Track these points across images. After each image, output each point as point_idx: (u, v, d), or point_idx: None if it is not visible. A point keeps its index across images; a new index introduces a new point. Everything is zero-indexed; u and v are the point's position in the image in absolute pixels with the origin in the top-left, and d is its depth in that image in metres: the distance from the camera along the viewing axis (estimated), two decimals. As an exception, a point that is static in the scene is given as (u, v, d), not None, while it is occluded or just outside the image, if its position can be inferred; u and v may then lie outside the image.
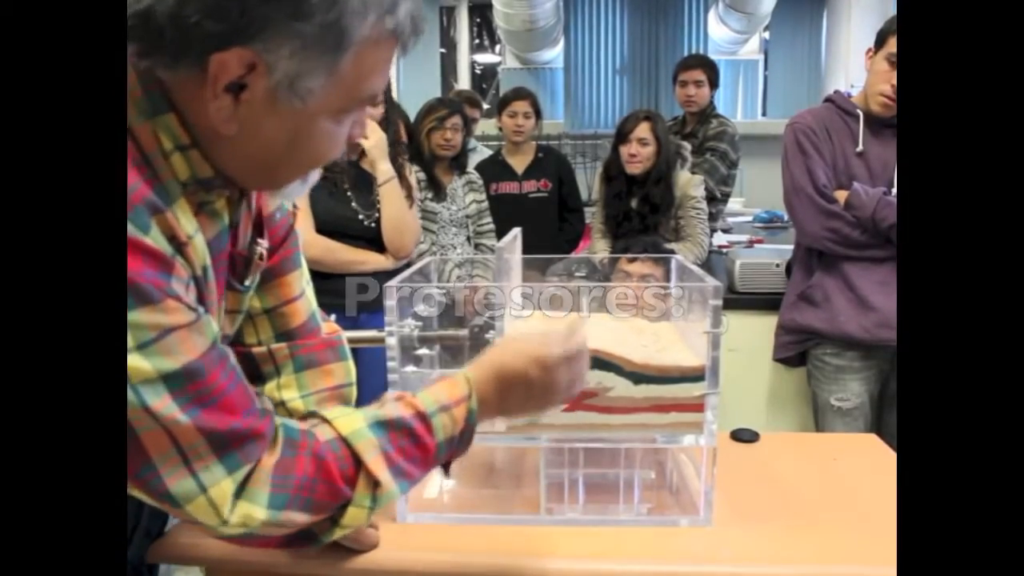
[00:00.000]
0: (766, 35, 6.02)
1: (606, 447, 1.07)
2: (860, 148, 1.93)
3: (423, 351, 1.16)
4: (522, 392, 0.82)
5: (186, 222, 0.69)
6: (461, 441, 0.80)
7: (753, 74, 6.04)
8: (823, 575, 0.97)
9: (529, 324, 1.08)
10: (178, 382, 0.64)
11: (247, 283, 0.87)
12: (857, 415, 1.99)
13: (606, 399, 1.02)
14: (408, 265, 2.12)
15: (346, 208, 2.06)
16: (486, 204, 2.73)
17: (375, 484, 0.74)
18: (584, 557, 0.97)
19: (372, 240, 2.08)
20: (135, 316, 0.61)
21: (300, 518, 0.72)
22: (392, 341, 1.03)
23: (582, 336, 0.86)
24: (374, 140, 2.04)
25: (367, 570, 0.95)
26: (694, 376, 1.02)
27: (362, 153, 2.09)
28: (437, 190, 2.60)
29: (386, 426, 0.76)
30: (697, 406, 1.02)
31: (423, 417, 0.77)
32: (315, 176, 0.79)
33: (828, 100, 2.03)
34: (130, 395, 0.62)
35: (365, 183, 2.08)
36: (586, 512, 1.08)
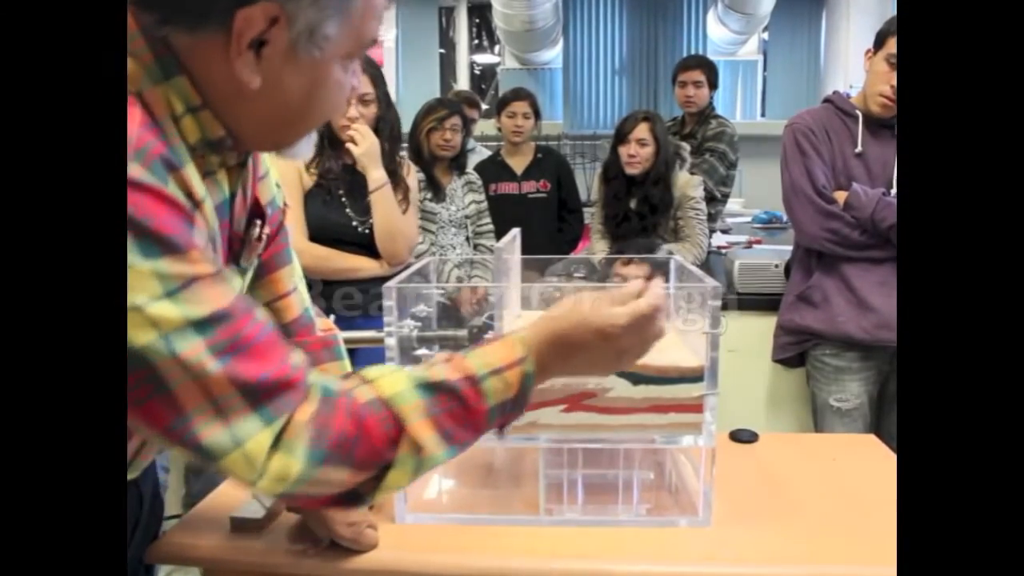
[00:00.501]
0: (765, 36, 6.02)
1: (605, 448, 1.07)
2: (859, 149, 1.93)
3: (422, 351, 1.16)
4: (585, 360, 0.79)
5: (198, 184, 0.69)
6: (515, 405, 0.76)
7: (752, 75, 6.04)
8: (822, 575, 0.97)
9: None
10: (208, 329, 0.63)
11: (243, 263, 0.87)
12: (856, 416, 1.99)
13: (605, 400, 1.02)
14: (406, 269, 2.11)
15: (340, 215, 2.03)
16: (485, 204, 2.73)
17: (418, 448, 0.71)
18: (583, 557, 0.97)
19: (367, 246, 2.04)
20: (161, 265, 0.61)
21: (338, 476, 0.70)
22: (391, 341, 1.03)
23: (653, 297, 0.79)
24: (364, 147, 1.99)
25: (367, 570, 0.95)
26: (693, 377, 1.02)
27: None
28: (436, 191, 2.60)
29: (432, 388, 0.73)
30: (696, 407, 1.02)
31: (472, 380, 0.73)
32: (314, 134, 0.80)
33: (827, 101, 2.03)
34: (160, 345, 0.61)
35: (361, 188, 2.04)
36: (585, 512, 1.08)
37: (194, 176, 0.69)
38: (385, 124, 2.06)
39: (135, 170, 0.60)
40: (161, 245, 0.61)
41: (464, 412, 0.73)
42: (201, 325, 0.63)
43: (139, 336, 0.60)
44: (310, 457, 0.68)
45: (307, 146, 0.79)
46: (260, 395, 0.66)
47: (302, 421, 0.68)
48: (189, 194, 0.66)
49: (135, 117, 0.63)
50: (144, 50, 0.66)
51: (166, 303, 0.61)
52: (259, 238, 0.87)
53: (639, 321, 0.78)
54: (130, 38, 0.65)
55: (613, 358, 0.80)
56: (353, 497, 0.73)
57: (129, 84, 0.64)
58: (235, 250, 0.85)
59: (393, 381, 0.73)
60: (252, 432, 0.66)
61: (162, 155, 0.64)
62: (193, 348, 0.62)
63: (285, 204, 0.98)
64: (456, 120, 2.58)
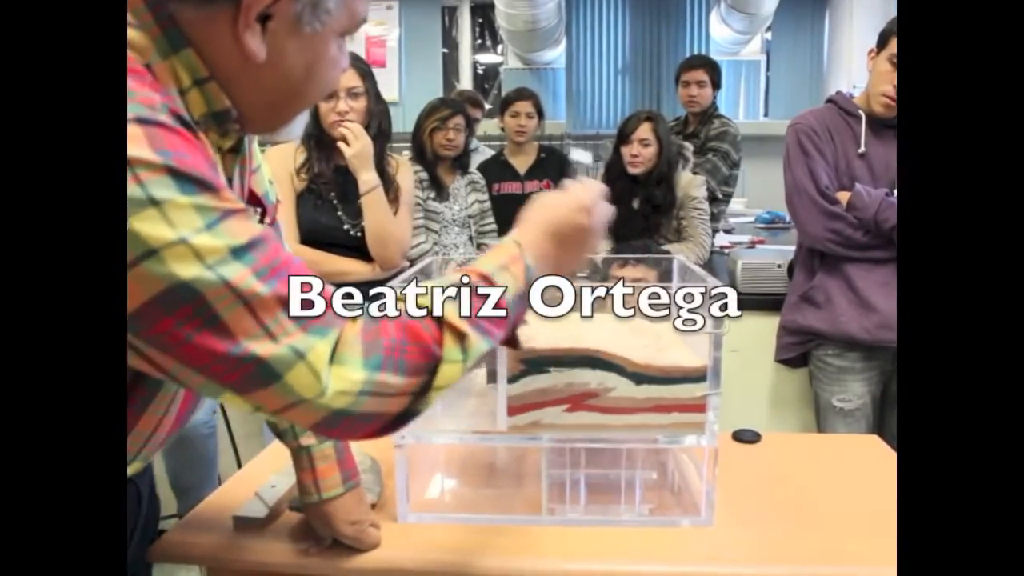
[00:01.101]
0: (768, 36, 6.00)
1: (608, 447, 1.07)
2: (862, 149, 1.93)
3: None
4: (576, 240, 0.86)
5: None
6: (524, 299, 0.80)
7: (755, 75, 6.02)
8: (824, 575, 0.97)
9: (529, 325, 1.08)
10: (249, 256, 0.64)
11: None
12: (859, 416, 1.99)
13: (608, 400, 1.02)
14: (396, 274, 2.10)
15: (331, 218, 2.02)
16: (488, 204, 2.73)
17: (461, 336, 0.73)
18: (585, 558, 0.97)
19: (358, 249, 2.02)
20: (199, 199, 0.62)
21: (396, 380, 0.70)
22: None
23: (592, 183, 0.89)
24: (355, 149, 1.95)
25: (368, 570, 0.95)
26: (696, 377, 1.02)
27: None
28: (439, 190, 2.61)
29: (455, 289, 0.75)
30: (699, 407, 1.02)
31: (487, 277, 0.77)
32: (306, 115, 0.82)
33: (830, 101, 2.03)
34: (208, 275, 0.61)
35: (352, 191, 2.01)
36: (587, 512, 1.08)
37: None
38: (374, 119, 2.02)
39: (165, 117, 0.62)
40: (196, 183, 0.62)
41: (489, 303, 0.76)
42: (242, 253, 0.64)
43: (185, 269, 0.61)
44: (367, 364, 0.68)
45: (299, 126, 0.81)
46: (308, 317, 0.67)
47: (352, 335, 0.69)
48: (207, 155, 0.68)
49: (152, 86, 0.65)
50: (151, 24, 0.68)
51: (208, 235, 0.62)
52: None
53: (597, 197, 0.87)
54: (137, 13, 0.67)
55: (589, 235, 0.87)
56: (406, 415, 0.73)
57: (139, 56, 0.66)
58: None
59: (419, 293, 0.75)
60: (312, 344, 0.66)
61: (180, 115, 0.66)
62: (240, 273, 0.63)
63: (278, 200, 0.98)
64: (459, 120, 2.58)
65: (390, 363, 0.69)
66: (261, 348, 0.64)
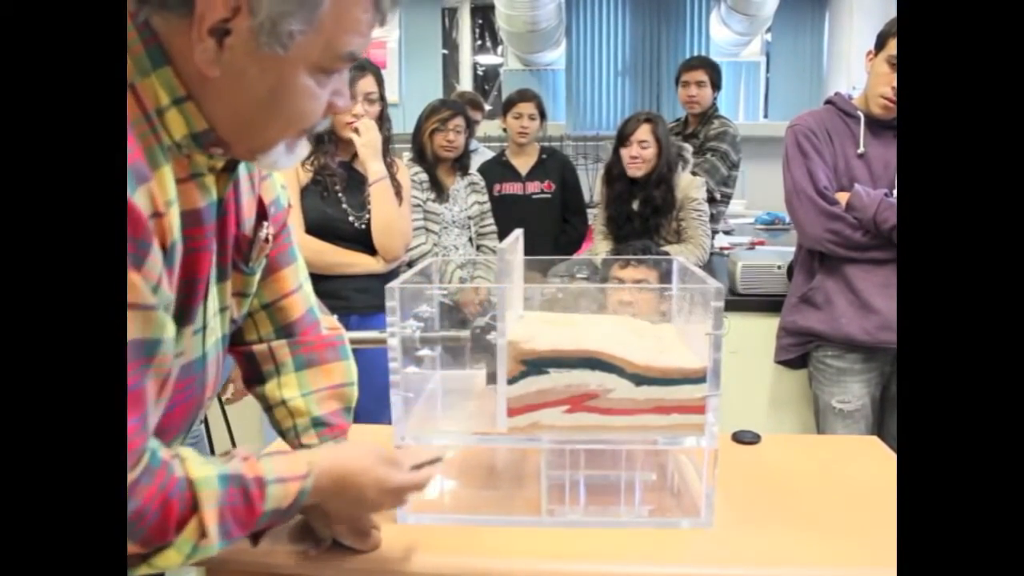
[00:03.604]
0: (768, 37, 6.01)
1: (607, 449, 1.07)
2: (861, 150, 1.93)
3: (425, 352, 1.17)
4: (351, 500, 0.88)
5: (164, 190, 0.70)
6: (285, 514, 0.82)
7: (755, 76, 6.03)
8: (824, 577, 0.97)
9: (528, 325, 1.08)
10: None
11: (252, 264, 0.88)
12: (858, 417, 1.99)
13: (607, 400, 1.02)
14: (408, 266, 2.12)
15: (336, 209, 2.06)
16: (488, 205, 2.73)
17: (202, 534, 0.74)
18: (585, 559, 0.97)
19: (363, 242, 2.07)
20: None
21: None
22: (394, 342, 1.03)
23: (424, 478, 0.92)
24: (367, 138, 2.04)
25: (368, 570, 0.95)
26: (695, 378, 1.02)
27: (355, 153, 2.10)
28: (439, 191, 2.61)
29: (229, 480, 0.76)
30: (698, 408, 1.02)
31: (261, 483, 0.78)
32: (303, 150, 0.80)
33: (829, 102, 2.03)
34: None
35: (357, 184, 2.08)
36: (587, 514, 1.08)
37: (165, 181, 0.70)
38: (386, 121, 2.14)
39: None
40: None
41: (246, 510, 0.77)
42: None
43: None
44: None
45: (287, 159, 0.79)
46: None
47: None
48: (154, 212, 0.67)
49: (133, 108, 0.65)
50: (136, 40, 0.68)
51: None
52: (265, 239, 0.89)
53: (407, 489, 0.90)
54: None
55: (369, 507, 0.91)
56: None
57: None
58: (244, 251, 0.86)
59: (202, 465, 0.76)
60: None
61: (136, 163, 0.65)
62: None
63: (289, 204, 0.98)
64: (459, 121, 2.59)
65: (128, 528, 0.69)
66: None
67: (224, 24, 0.67)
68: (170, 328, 0.71)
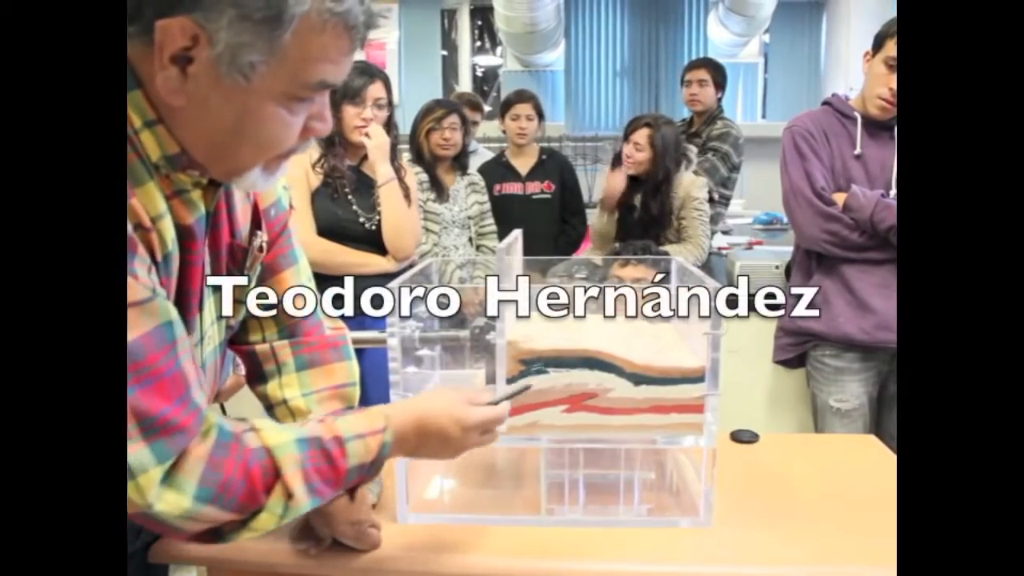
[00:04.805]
0: (766, 38, 6.01)
1: (606, 448, 1.07)
2: (858, 151, 1.93)
3: (424, 352, 1.17)
4: (436, 443, 0.88)
5: (151, 204, 0.71)
6: (371, 469, 0.84)
7: (753, 77, 6.04)
8: (823, 575, 0.97)
9: (528, 325, 1.08)
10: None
11: (247, 272, 0.90)
12: (856, 416, 1.99)
13: (607, 400, 1.02)
14: (410, 267, 2.12)
15: (347, 211, 2.09)
16: (488, 205, 2.74)
17: (289, 495, 0.77)
18: (584, 558, 0.97)
19: (373, 243, 2.10)
20: None
21: (216, 515, 0.74)
22: (394, 342, 1.03)
23: (504, 410, 0.92)
24: (377, 142, 2.06)
25: (368, 570, 0.96)
26: (694, 377, 1.02)
27: (364, 157, 2.11)
28: (439, 191, 2.61)
29: (307, 443, 0.79)
30: (697, 407, 1.02)
31: (340, 441, 0.80)
32: (281, 170, 0.80)
33: (826, 103, 2.04)
34: None
35: (366, 187, 2.11)
36: (586, 513, 1.08)
37: (149, 197, 0.71)
38: (393, 126, 2.17)
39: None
40: None
41: (330, 469, 0.80)
42: None
43: None
44: (198, 495, 0.71)
45: (263, 181, 0.79)
46: (157, 431, 0.68)
47: (196, 457, 0.72)
48: (138, 225, 0.69)
49: None
50: None
51: None
52: (260, 248, 0.90)
53: (486, 424, 0.90)
54: None
55: (456, 446, 0.90)
56: (215, 535, 0.77)
57: None
58: (239, 260, 0.87)
59: (277, 432, 0.79)
60: (145, 467, 0.68)
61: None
62: None
63: (291, 206, 0.98)
64: (454, 119, 2.59)
65: (219, 500, 0.73)
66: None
67: (186, 52, 0.67)
68: (174, 311, 0.72)
